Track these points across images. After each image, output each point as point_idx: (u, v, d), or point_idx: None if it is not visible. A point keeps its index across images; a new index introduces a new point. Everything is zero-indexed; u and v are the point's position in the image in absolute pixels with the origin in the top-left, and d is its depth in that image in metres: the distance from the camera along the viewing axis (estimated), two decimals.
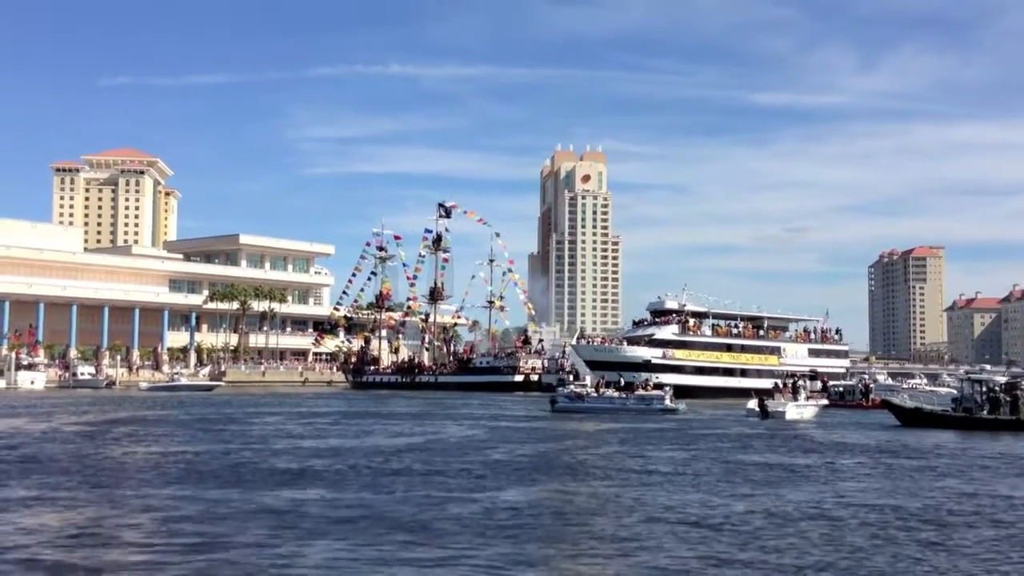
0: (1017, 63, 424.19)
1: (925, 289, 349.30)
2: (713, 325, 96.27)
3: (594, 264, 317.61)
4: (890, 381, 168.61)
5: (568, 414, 54.30)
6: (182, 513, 18.04)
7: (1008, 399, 42.43)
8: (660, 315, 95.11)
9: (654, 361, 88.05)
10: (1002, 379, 50.54)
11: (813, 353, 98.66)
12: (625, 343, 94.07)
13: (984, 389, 44.30)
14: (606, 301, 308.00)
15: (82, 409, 56.44)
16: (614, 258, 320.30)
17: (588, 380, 67.27)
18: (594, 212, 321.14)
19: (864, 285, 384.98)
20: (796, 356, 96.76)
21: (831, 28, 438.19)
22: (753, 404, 54.75)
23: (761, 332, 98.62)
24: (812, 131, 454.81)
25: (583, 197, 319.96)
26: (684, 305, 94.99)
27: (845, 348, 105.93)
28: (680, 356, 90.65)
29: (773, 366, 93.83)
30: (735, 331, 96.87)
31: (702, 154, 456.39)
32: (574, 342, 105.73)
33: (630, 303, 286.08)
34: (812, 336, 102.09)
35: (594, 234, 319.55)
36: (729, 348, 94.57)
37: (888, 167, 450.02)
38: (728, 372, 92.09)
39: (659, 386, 62.52)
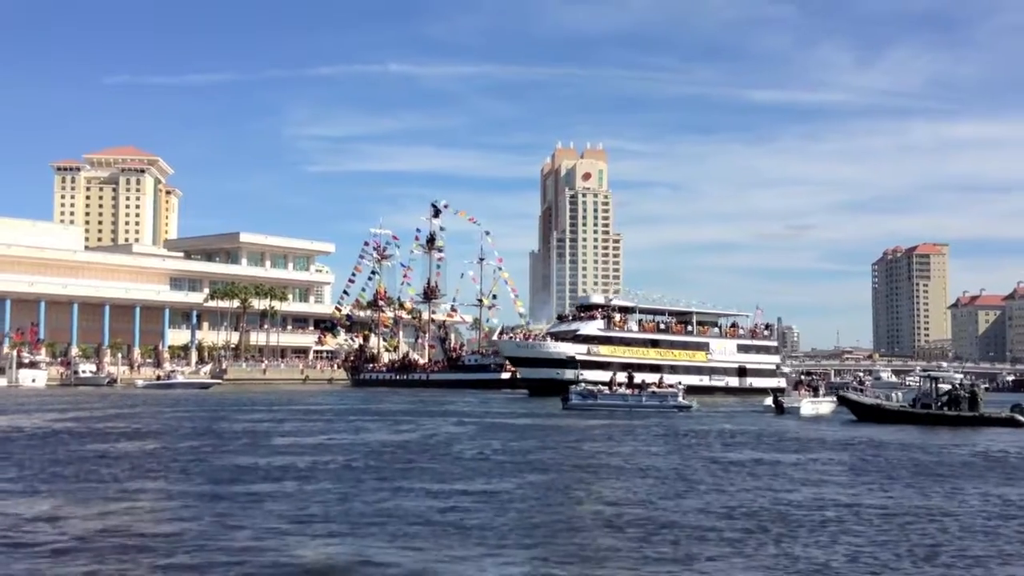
0: (1012, 60, 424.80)
1: (929, 286, 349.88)
2: (640, 320, 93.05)
3: (595, 262, 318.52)
4: (893, 378, 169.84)
5: (580, 412, 53.98)
6: (135, 505, 19.19)
7: (967, 395, 43.86)
8: (586, 310, 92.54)
9: (578, 358, 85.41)
10: (959, 377, 52.10)
11: (742, 349, 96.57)
12: (549, 339, 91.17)
13: (944, 386, 45.71)
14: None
15: (66, 406, 57.55)
16: (615, 256, 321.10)
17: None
18: (595, 210, 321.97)
19: (868, 282, 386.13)
20: (724, 352, 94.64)
21: (828, 26, 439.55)
22: (769, 401, 58.36)
23: (689, 328, 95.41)
24: (811, 129, 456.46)
25: (584, 195, 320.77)
26: (611, 300, 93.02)
27: (774, 344, 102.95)
28: (605, 352, 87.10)
29: (701, 362, 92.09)
30: (662, 326, 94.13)
31: (702, 152, 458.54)
32: (496, 337, 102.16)
33: None
34: (741, 332, 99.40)
35: (595, 232, 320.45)
36: (655, 344, 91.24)
37: (889, 164, 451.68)
38: (656, 369, 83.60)
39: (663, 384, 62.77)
